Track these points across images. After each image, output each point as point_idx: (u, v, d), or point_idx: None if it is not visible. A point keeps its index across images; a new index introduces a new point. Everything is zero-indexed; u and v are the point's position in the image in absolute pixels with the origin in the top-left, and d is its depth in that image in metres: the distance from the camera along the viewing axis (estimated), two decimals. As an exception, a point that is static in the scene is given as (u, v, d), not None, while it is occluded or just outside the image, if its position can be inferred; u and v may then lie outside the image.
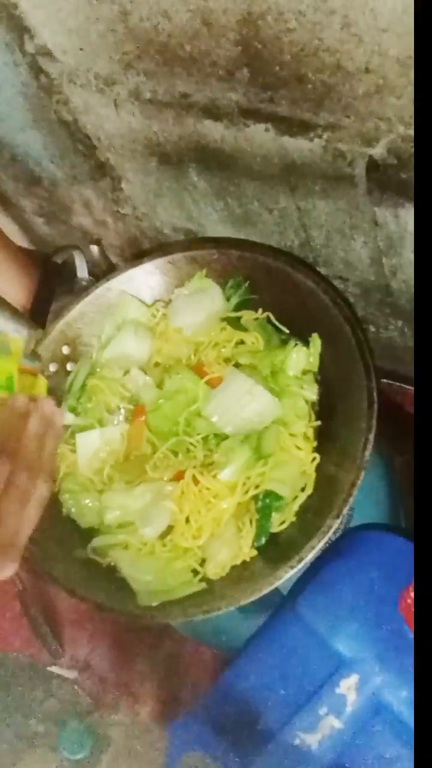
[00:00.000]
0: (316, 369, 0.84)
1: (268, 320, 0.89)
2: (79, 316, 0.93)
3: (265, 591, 0.72)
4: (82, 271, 0.98)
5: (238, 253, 0.89)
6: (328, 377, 0.83)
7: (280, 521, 0.78)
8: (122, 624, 1.14)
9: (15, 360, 0.79)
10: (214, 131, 0.77)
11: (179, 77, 0.73)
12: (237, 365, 0.86)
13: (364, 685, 0.71)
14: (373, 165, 0.70)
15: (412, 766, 0.67)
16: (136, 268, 0.93)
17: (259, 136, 0.74)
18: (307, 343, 0.84)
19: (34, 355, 0.83)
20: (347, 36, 0.58)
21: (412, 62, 0.57)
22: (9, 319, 0.89)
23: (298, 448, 0.80)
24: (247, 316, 0.89)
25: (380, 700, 0.71)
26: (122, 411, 0.89)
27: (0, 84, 0.89)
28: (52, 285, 1.08)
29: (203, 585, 0.77)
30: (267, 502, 0.78)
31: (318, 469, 0.79)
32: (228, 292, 0.90)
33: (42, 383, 0.83)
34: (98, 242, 1.01)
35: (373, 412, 0.74)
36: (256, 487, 0.79)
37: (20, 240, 1.31)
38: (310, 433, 0.81)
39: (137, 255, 0.95)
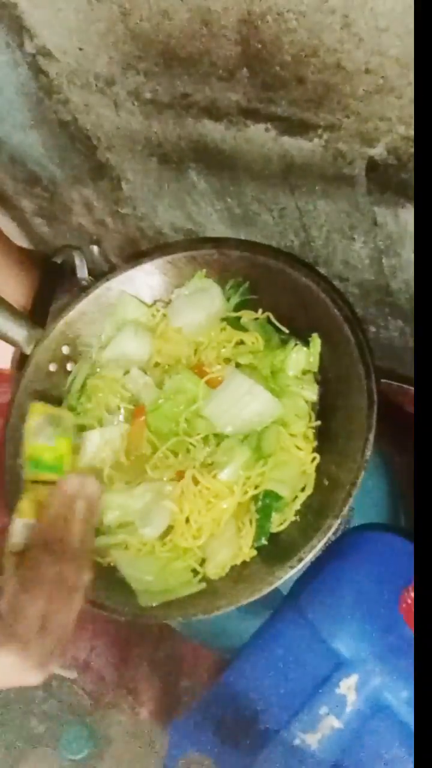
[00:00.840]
0: (316, 369, 0.84)
1: (268, 320, 0.89)
2: (79, 316, 0.93)
3: (265, 591, 0.72)
4: (82, 271, 0.98)
5: (238, 253, 0.89)
6: (328, 377, 0.83)
7: (280, 521, 0.78)
8: (122, 624, 1.14)
9: (69, 438, 0.79)
10: (214, 131, 0.77)
11: (179, 77, 0.73)
12: (237, 365, 0.86)
13: (364, 685, 0.71)
14: (373, 165, 0.70)
15: (412, 766, 0.67)
16: (136, 268, 0.93)
17: (259, 136, 0.74)
18: (307, 343, 0.84)
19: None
20: (347, 36, 0.58)
21: (412, 62, 0.57)
22: (9, 319, 0.90)
23: (298, 448, 0.80)
24: (247, 316, 0.89)
25: (380, 700, 0.71)
26: (122, 411, 0.89)
27: (0, 84, 0.89)
28: (52, 285, 1.08)
29: (203, 585, 0.77)
30: (267, 502, 0.78)
31: (318, 469, 0.79)
32: (228, 292, 0.90)
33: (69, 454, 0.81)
34: (98, 242, 1.01)
35: (373, 412, 0.74)
36: (256, 487, 0.79)
37: (20, 240, 1.31)
38: (310, 433, 0.81)
39: (137, 255, 0.95)
